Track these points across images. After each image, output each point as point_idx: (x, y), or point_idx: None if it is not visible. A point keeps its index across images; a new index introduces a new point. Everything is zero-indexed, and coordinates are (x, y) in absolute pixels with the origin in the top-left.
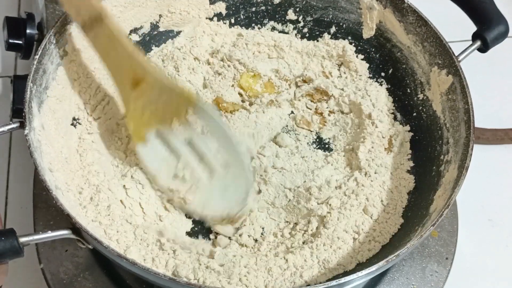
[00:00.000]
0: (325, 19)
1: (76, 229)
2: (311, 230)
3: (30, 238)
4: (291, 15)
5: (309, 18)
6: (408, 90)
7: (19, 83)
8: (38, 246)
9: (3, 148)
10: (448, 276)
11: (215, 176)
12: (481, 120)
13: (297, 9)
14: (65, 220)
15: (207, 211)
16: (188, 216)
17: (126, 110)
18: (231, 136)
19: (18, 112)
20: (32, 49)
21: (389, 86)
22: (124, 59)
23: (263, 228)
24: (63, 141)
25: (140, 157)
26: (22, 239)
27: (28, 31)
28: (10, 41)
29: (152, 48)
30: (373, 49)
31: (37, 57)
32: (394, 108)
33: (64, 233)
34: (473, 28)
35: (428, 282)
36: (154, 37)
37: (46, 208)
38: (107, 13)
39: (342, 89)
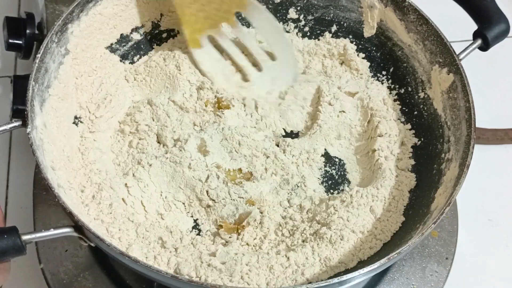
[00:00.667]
0: (326, 18)
1: (79, 227)
2: (314, 229)
3: (33, 236)
4: (292, 13)
5: (310, 17)
6: (409, 89)
7: (19, 83)
8: (38, 246)
9: (3, 148)
10: (448, 276)
11: (264, 69)
12: (481, 120)
13: (298, 8)
14: (65, 219)
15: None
16: (190, 214)
17: (181, 17)
18: (281, 31)
19: (18, 112)
20: (32, 49)
21: (390, 85)
22: None
23: (268, 229)
24: (65, 139)
25: (197, 61)
26: (25, 237)
27: (28, 31)
28: (10, 41)
29: (154, 46)
30: (374, 48)
31: (39, 55)
32: (394, 106)
33: (66, 231)
34: (473, 28)
35: (428, 282)
36: (156, 35)
37: (46, 208)
38: None
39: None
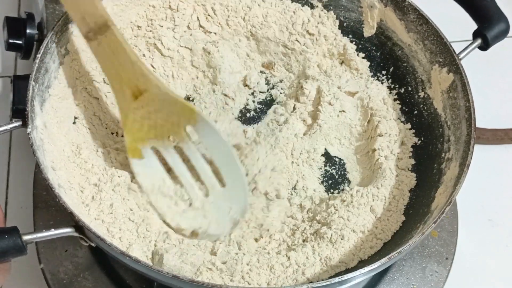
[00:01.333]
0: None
1: (79, 227)
2: (314, 228)
3: (34, 236)
4: None
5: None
6: (409, 88)
7: (19, 83)
8: (38, 246)
9: (3, 148)
10: (448, 276)
11: (211, 195)
12: (481, 120)
13: None
14: (66, 219)
15: (199, 232)
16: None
17: (124, 122)
18: (233, 153)
19: (18, 112)
20: (32, 49)
21: (390, 84)
22: (126, 69)
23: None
24: (65, 139)
25: (135, 173)
26: (26, 237)
27: (28, 31)
28: (10, 41)
29: None
30: (374, 48)
31: (39, 56)
32: (394, 106)
33: (67, 231)
34: (472, 28)
35: (428, 282)
36: None
37: (46, 208)
38: (113, 21)
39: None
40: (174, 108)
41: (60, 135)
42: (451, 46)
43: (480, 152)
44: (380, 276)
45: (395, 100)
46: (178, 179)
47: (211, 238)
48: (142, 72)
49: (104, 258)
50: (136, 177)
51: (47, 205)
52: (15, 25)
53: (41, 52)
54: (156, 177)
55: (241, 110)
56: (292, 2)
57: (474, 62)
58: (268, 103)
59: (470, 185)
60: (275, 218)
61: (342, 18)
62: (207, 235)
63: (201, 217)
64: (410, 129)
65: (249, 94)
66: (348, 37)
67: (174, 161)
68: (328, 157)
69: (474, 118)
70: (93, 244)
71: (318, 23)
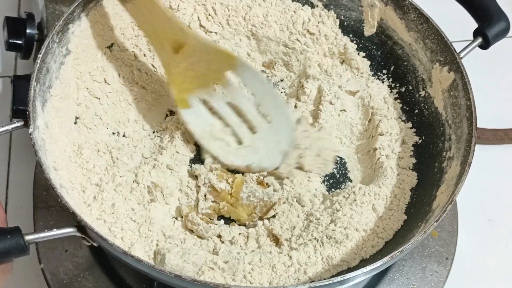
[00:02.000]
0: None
1: (81, 227)
2: (321, 227)
3: (36, 236)
4: None
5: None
6: (410, 87)
7: (19, 83)
8: (38, 246)
9: (3, 148)
10: (448, 276)
11: (259, 132)
12: (481, 120)
13: None
14: (66, 219)
15: (252, 167)
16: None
17: (168, 76)
18: (274, 91)
19: (18, 112)
20: (32, 49)
21: (391, 84)
22: (164, 25)
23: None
24: (67, 139)
25: (185, 122)
26: (28, 237)
27: (28, 31)
28: (10, 41)
29: None
30: (374, 47)
31: (40, 56)
32: (395, 105)
33: (69, 230)
34: (473, 28)
35: (428, 282)
36: None
37: (46, 208)
38: None
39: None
40: (214, 57)
41: (61, 135)
42: (451, 45)
43: (480, 152)
44: (380, 276)
45: (396, 99)
46: (226, 122)
47: (264, 170)
48: (179, 27)
49: (104, 258)
50: (187, 126)
51: (47, 205)
52: (15, 25)
53: (42, 52)
54: (206, 123)
55: None
56: (293, 1)
57: (474, 63)
58: None
59: (470, 185)
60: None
61: (342, 17)
62: (260, 168)
63: (252, 153)
64: (411, 128)
65: None
66: (348, 36)
67: (220, 106)
68: None
69: (475, 116)
70: (95, 244)
71: (318, 23)
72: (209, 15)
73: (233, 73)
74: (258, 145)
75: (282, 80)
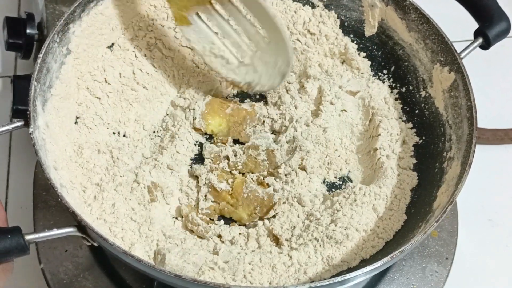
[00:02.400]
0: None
1: (82, 227)
2: (321, 227)
3: (36, 235)
4: None
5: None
6: (410, 88)
7: (19, 83)
8: (38, 246)
9: (3, 148)
10: (448, 276)
11: (258, 51)
12: (481, 120)
13: None
14: (66, 219)
15: (253, 85)
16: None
17: None
18: (272, 12)
19: (18, 112)
20: (32, 49)
21: (391, 84)
22: None
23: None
24: (67, 139)
25: (186, 38)
26: (28, 237)
27: (28, 31)
28: (10, 41)
29: None
30: (375, 47)
31: (41, 55)
32: (396, 105)
33: (69, 230)
34: (473, 28)
35: (428, 282)
36: None
37: (46, 208)
38: None
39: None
40: None
41: (62, 135)
42: (452, 45)
43: (480, 152)
44: (380, 276)
45: (396, 99)
46: (225, 40)
47: (264, 88)
48: None
49: (104, 258)
50: (189, 44)
51: (47, 205)
52: (15, 25)
53: (43, 52)
54: (206, 40)
55: None
56: (293, 1)
57: (474, 63)
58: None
59: (470, 185)
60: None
61: (343, 18)
62: (261, 86)
63: (252, 71)
64: (411, 128)
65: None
66: (349, 36)
67: (219, 24)
68: None
69: (476, 117)
70: (95, 244)
71: (319, 23)
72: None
73: None
74: (257, 64)
75: None
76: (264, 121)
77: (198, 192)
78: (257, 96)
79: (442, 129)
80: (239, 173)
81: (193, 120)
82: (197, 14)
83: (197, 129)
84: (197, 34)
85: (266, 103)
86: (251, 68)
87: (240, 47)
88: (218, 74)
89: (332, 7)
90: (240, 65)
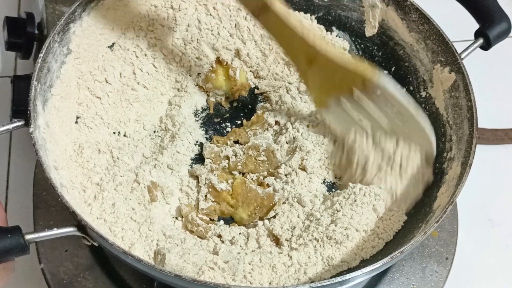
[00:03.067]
0: (328, 17)
1: (82, 227)
2: (321, 227)
3: (36, 235)
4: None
5: (312, 17)
6: (411, 88)
7: (19, 83)
8: (38, 246)
9: (3, 148)
10: (448, 276)
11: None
12: (481, 120)
13: (300, 7)
14: (66, 219)
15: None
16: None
17: (305, 82)
18: (416, 109)
19: (18, 112)
20: (32, 49)
21: None
22: (295, 40)
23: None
24: (68, 139)
25: (326, 121)
26: (28, 236)
27: (28, 31)
28: (10, 41)
29: None
30: (375, 47)
31: (41, 55)
32: None
33: (69, 230)
34: (474, 28)
35: (428, 282)
36: None
37: (46, 208)
38: (272, 1)
39: None
40: (348, 71)
41: (62, 135)
42: (453, 45)
43: (480, 152)
44: (380, 276)
45: None
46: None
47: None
48: (309, 42)
49: (104, 258)
50: (328, 125)
51: (47, 205)
52: (15, 25)
53: (43, 51)
54: (345, 121)
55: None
56: (294, 10)
57: (474, 63)
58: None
59: (470, 185)
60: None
61: (343, 18)
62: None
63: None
64: None
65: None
66: (350, 36)
67: (358, 109)
68: None
69: (476, 117)
70: (95, 244)
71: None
72: (210, 15)
73: (372, 85)
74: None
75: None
76: (267, 129)
77: (198, 192)
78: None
79: (443, 129)
80: (239, 173)
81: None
82: (337, 99)
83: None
84: (335, 116)
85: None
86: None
87: (378, 132)
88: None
89: (333, 7)
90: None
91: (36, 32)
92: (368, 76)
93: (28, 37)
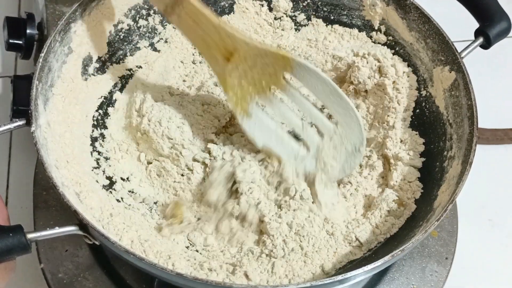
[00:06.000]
0: (330, 17)
1: (83, 225)
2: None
3: (38, 234)
4: (294, 13)
5: (313, 17)
6: None
7: (19, 83)
8: (38, 246)
9: (3, 148)
10: (448, 276)
11: (325, 137)
12: (481, 120)
13: (301, 7)
14: (66, 219)
15: (325, 173)
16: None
17: (224, 88)
18: (337, 89)
19: (18, 112)
20: (32, 49)
21: None
22: (211, 34)
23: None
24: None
25: (246, 132)
26: (30, 235)
27: (28, 31)
28: (10, 41)
29: None
30: None
31: (42, 54)
32: None
33: (71, 229)
34: (474, 28)
35: (428, 282)
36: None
37: (46, 208)
38: None
39: None
40: (268, 60)
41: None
42: (453, 44)
43: (480, 152)
44: (380, 276)
45: None
46: (290, 128)
47: (336, 178)
48: (227, 33)
49: (104, 258)
50: (250, 138)
51: (47, 205)
52: (15, 25)
53: (45, 51)
54: (268, 130)
55: None
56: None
57: (474, 63)
58: None
59: (470, 185)
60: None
61: (344, 17)
62: (332, 177)
63: (319, 161)
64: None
65: None
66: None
67: (281, 112)
68: None
69: (477, 116)
70: (97, 242)
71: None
72: None
73: (291, 75)
74: (327, 150)
75: None
76: None
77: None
78: None
79: (443, 128)
80: None
81: None
82: (257, 104)
83: None
84: (257, 125)
85: None
86: (319, 155)
87: (306, 133)
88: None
89: (333, 7)
90: (306, 154)
91: (36, 32)
92: (292, 57)
93: (28, 37)
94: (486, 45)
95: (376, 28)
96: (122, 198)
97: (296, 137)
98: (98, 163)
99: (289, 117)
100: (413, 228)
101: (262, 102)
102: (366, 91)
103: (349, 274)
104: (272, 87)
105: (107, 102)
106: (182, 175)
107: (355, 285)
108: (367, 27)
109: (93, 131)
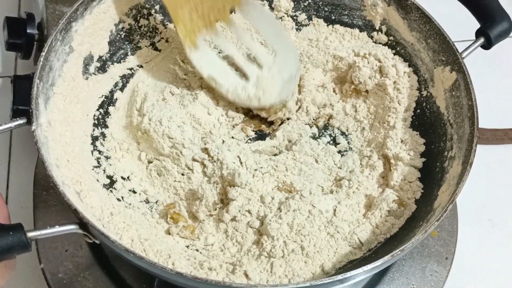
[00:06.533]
0: (332, 17)
1: (83, 224)
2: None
3: (38, 232)
4: (295, 13)
5: (314, 17)
6: None
7: (19, 83)
8: (38, 246)
9: (3, 148)
10: (448, 276)
11: (265, 66)
12: (481, 120)
13: (302, 7)
14: (66, 219)
15: (263, 101)
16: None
17: (175, 19)
18: (277, 24)
19: (18, 112)
20: (32, 49)
21: None
22: None
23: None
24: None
25: (194, 63)
26: (30, 234)
27: (28, 31)
28: (10, 41)
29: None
30: None
31: (43, 53)
32: None
33: (71, 228)
34: (474, 28)
35: (428, 282)
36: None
37: (46, 208)
38: None
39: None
40: None
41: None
42: (454, 44)
43: (480, 152)
44: (380, 275)
45: None
46: (233, 60)
47: (274, 104)
48: None
49: (104, 258)
50: (197, 69)
51: (47, 204)
52: (15, 25)
53: (46, 50)
54: (213, 62)
55: None
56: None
57: (474, 63)
58: None
59: (470, 185)
60: None
61: (345, 17)
62: (270, 102)
63: (259, 88)
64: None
65: None
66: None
67: (225, 45)
68: None
69: (477, 116)
70: (97, 241)
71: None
72: None
73: (238, 11)
74: (266, 79)
75: None
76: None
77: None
78: None
79: (444, 128)
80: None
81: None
82: (205, 39)
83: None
84: (204, 57)
85: None
86: (258, 85)
87: (247, 66)
88: (225, 94)
89: (334, 7)
90: (247, 84)
91: (36, 32)
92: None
93: (28, 37)
94: (487, 46)
95: (377, 28)
96: (122, 197)
97: (239, 69)
98: (98, 162)
99: (232, 49)
100: (413, 228)
101: (209, 36)
102: (367, 91)
103: (349, 274)
104: (219, 21)
105: (108, 101)
106: (183, 174)
107: (355, 285)
108: (368, 27)
109: (93, 130)
